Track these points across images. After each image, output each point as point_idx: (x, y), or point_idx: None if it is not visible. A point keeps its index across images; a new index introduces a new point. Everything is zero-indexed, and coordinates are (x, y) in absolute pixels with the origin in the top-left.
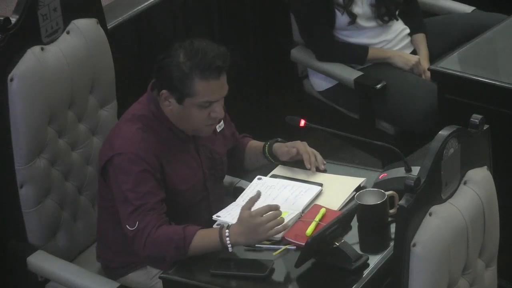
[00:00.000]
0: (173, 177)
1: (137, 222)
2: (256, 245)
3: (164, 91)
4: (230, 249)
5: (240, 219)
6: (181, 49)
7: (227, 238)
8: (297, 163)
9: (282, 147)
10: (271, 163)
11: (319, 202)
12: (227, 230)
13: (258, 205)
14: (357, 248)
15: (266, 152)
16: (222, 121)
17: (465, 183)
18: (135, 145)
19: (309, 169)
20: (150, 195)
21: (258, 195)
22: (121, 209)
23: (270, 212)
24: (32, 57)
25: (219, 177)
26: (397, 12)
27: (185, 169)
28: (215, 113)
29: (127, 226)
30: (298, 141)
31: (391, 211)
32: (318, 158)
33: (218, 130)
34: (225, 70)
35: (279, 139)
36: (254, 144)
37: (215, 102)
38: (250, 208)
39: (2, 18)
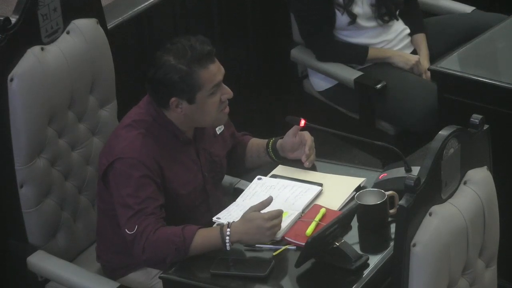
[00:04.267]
0: (174, 182)
1: (136, 226)
2: (256, 245)
3: (173, 99)
4: (228, 248)
5: (248, 218)
6: (167, 55)
7: (227, 238)
8: (297, 163)
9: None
10: (272, 160)
11: (319, 202)
12: (228, 229)
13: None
14: (357, 248)
15: (270, 146)
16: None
17: (465, 183)
18: (136, 150)
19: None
20: (150, 200)
21: (269, 201)
22: (121, 214)
23: (280, 217)
24: (32, 57)
25: (218, 179)
26: (397, 12)
27: (185, 173)
28: (226, 94)
29: (126, 230)
30: (307, 132)
31: (391, 211)
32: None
33: (218, 133)
34: (214, 51)
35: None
36: (256, 141)
37: (220, 84)
38: (259, 210)
39: (2, 18)
